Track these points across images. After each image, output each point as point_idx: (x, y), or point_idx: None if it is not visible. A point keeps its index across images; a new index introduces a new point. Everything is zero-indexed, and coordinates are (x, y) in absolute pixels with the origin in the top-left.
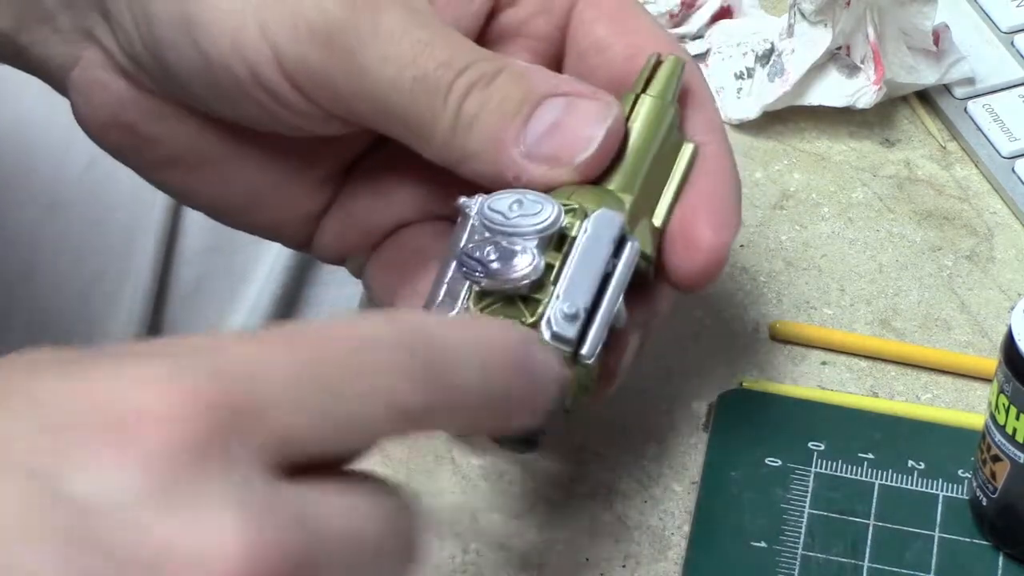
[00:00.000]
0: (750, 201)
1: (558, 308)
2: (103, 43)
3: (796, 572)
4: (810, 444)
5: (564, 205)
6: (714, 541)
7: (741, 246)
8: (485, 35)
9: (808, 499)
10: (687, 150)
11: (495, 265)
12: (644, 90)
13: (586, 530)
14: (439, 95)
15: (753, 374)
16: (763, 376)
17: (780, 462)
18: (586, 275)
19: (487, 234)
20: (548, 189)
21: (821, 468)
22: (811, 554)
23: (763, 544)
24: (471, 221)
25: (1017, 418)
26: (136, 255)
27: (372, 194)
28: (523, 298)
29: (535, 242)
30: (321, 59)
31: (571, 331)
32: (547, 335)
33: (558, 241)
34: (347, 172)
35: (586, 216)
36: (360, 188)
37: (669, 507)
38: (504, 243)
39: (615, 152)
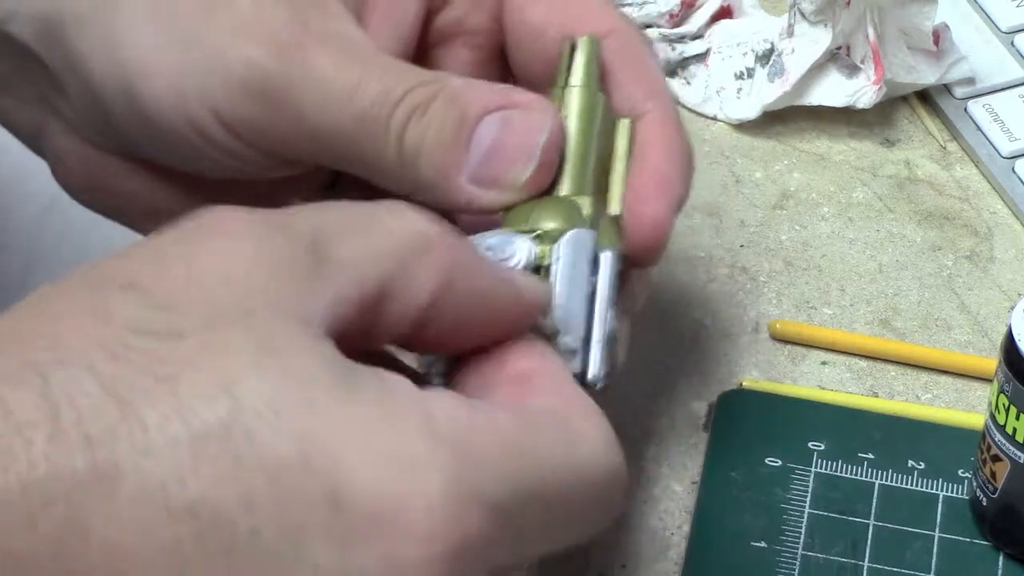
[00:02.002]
0: (750, 201)
1: (557, 345)
2: (61, 111)
3: (796, 572)
4: (810, 444)
5: (530, 233)
6: (714, 541)
7: (741, 246)
8: (425, 39)
9: (808, 499)
10: (623, 127)
11: None
12: (567, 82)
13: None
14: (379, 132)
15: (753, 374)
16: (763, 376)
17: (780, 462)
18: (573, 305)
19: None
20: (502, 209)
21: (821, 468)
22: (811, 554)
23: (763, 544)
24: None
25: (1017, 418)
26: None
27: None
28: None
29: None
30: (259, 112)
31: (576, 366)
32: None
33: (533, 272)
34: (329, 188)
35: (554, 240)
36: (346, 197)
37: (669, 507)
38: None
39: (558, 161)
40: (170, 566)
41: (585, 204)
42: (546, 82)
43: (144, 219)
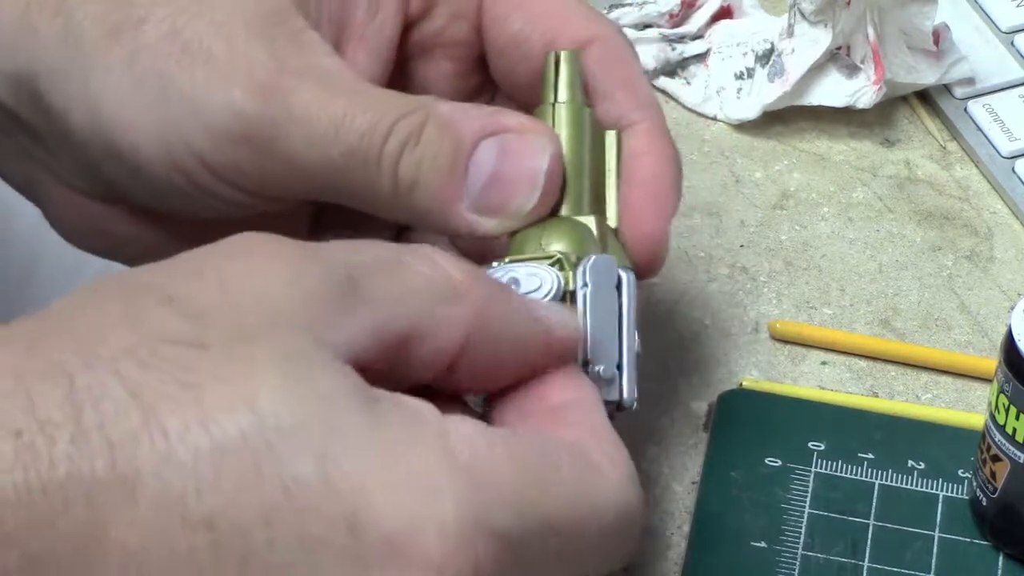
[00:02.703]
0: (750, 201)
1: (593, 374)
2: (48, 165)
3: (796, 572)
4: (810, 444)
5: (548, 259)
6: (714, 541)
7: (741, 246)
8: (403, 52)
9: (808, 499)
10: (611, 139)
11: None
12: (556, 99)
13: None
14: (370, 165)
15: (753, 374)
16: (763, 376)
17: (780, 462)
18: (605, 331)
19: None
20: (504, 234)
21: (821, 468)
22: (811, 554)
23: (763, 544)
24: None
25: (1017, 418)
26: None
27: (346, 228)
28: None
29: None
30: (246, 156)
31: (614, 393)
32: None
33: (560, 301)
34: (318, 215)
35: (572, 264)
36: (333, 227)
37: (669, 507)
38: None
39: (561, 184)
40: (185, 574)
41: (592, 224)
42: (529, 89)
43: (142, 258)
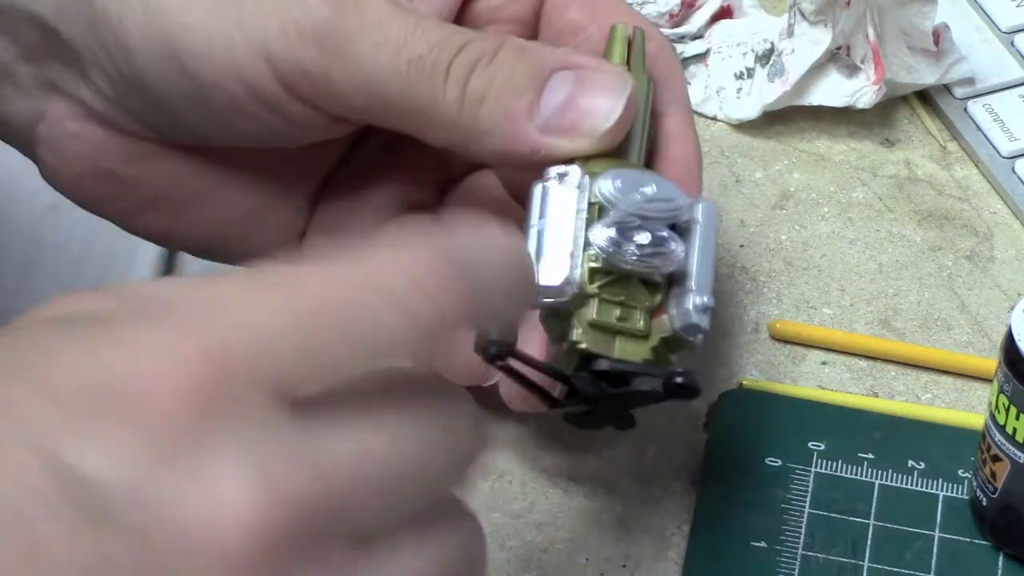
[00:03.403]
0: (750, 201)
1: (695, 301)
2: (72, 93)
3: (796, 572)
4: (810, 444)
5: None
6: (714, 541)
7: (741, 246)
8: (460, 21)
9: (808, 499)
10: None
11: (651, 250)
12: (629, 64)
13: (586, 530)
14: (438, 76)
15: (753, 374)
16: (763, 376)
17: (780, 462)
18: (709, 267)
19: (623, 215)
20: (564, 161)
21: (821, 468)
22: (811, 554)
23: (763, 544)
24: (586, 195)
25: (1017, 418)
26: (139, 255)
27: (347, 203)
28: (644, 281)
29: (665, 229)
30: (315, 59)
31: (707, 322)
32: (678, 323)
33: (671, 228)
34: (320, 189)
35: None
36: (334, 200)
37: (669, 507)
38: (650, 228)
39: (631, 120)
40: None
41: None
42: None
43: (139, 211)
